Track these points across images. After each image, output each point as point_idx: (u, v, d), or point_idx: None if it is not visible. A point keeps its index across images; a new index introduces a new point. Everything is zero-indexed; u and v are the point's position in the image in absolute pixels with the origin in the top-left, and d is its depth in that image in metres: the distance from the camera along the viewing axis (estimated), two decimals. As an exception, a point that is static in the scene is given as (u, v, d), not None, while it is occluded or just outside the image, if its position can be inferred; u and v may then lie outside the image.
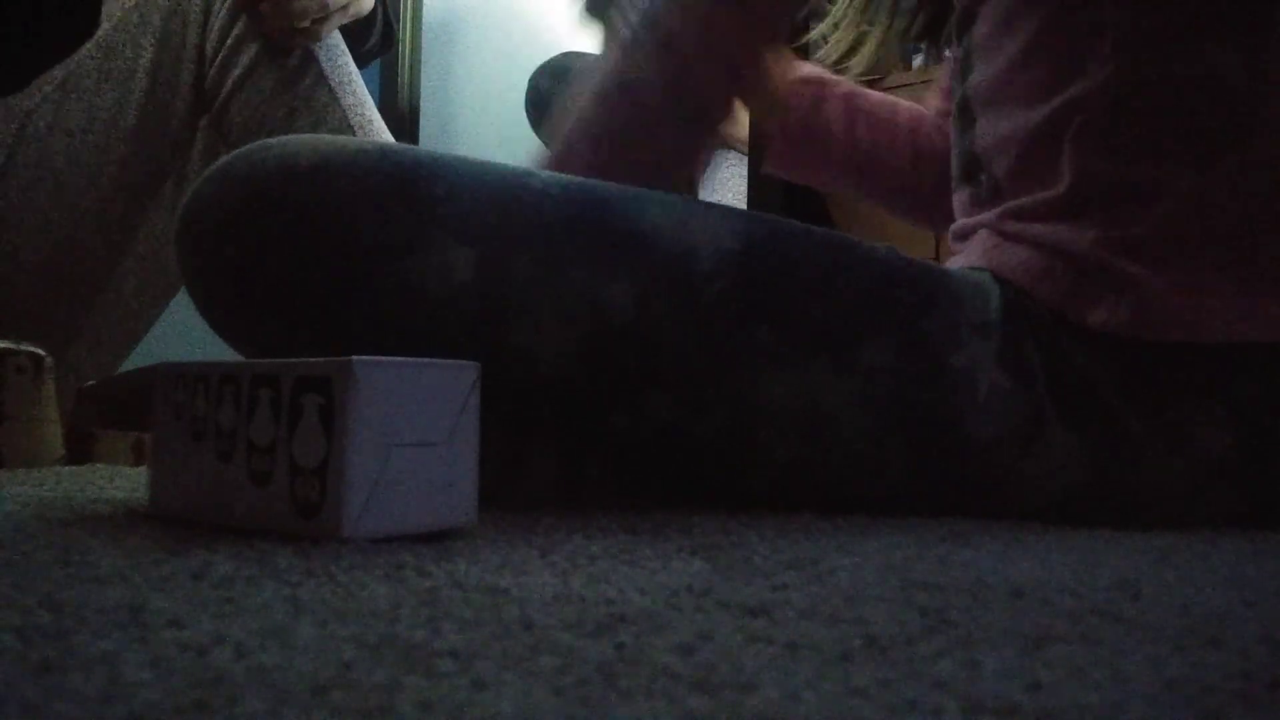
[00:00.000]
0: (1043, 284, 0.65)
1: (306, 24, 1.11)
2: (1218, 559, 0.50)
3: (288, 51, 1.14)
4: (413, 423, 0.45)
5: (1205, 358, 0.63)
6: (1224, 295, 0.63)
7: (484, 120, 2.34)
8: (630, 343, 0.59)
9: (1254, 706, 0.25)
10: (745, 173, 1.72)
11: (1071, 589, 0.40)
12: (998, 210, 0.69)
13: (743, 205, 1.72)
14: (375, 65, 2.21)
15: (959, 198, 0.75)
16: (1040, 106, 0.67)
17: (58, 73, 1.13)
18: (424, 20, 2.36)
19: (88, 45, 1.14)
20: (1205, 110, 0.64)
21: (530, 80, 1.76)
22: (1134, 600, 0.38)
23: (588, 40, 1.84)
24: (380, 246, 0.55)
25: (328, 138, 0.59)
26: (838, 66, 0.91)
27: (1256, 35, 0.64)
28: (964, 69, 0.74)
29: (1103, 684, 0.26)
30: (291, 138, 0.58)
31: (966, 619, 0.34)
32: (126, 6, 1.15)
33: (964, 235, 0.72)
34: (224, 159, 0.59)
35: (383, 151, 0.58)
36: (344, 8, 1.14)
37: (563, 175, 0.62)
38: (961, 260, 0.71)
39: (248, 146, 0.59)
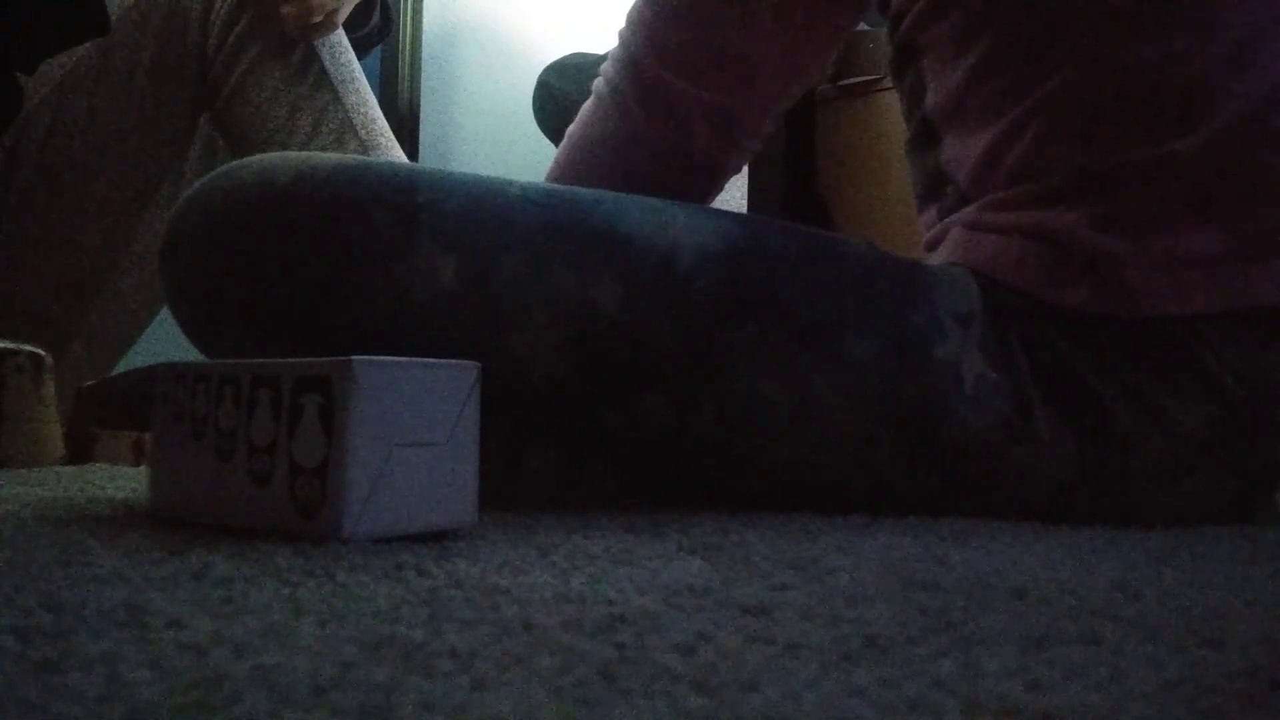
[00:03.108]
0: (1018, 270, 0.65)
1: (321, 18, 1.11)
2: (1218, 559, 0.50)
3: (292, 47, 1.14)
4: (413, 423, 0.45)
5: (1181, 334, 0.63)
6: (1201, 264, 0.63)
7: (484, 122, 2.34)
8: (618, 343, 0.59)
9: (1254, 706, 0.25)
10: (745, 178, 1.72)
11: (1071, 589, 0.40)
12: (972, 206, 0.69)
13: (743, 206, 1.72)
14: (375, 67, 2.21)
15: (926, 216, 0.75)
16: (1006, 112, 0.67)
17: (56, 73, 1.13)
18: (424, 22, 2.36)
19: (87, 45, 1.14)
20: (1167, 90, 0.65)
21: (540, 78, 1.76)
22: (1134, 600, 0.38)
23: (589, 43, 1.85)
24: (363, 256, 0.56)
25: (308, 154, 0.60)
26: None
27: (1203, 15, 0.65)
28: (915, 95, 0.74)
29: (1103, 684, 0.26)
30: (271, 155, 0.59)
31: (966, 619, 0.34)
32: (126, 5, 1.15)
33: (935, 242, 0.73)
34: (203, 179, 0.60)
35: (362, 164, 0.58)
36: None
37: (542, 182, 0.63)
38: (935, 260, 0.71)
39: (227, 165, 0.60)
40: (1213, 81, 0.65)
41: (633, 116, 0.75)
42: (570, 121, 0.89)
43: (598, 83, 0.78)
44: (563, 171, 0.80)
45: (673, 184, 0.74)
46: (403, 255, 0.56)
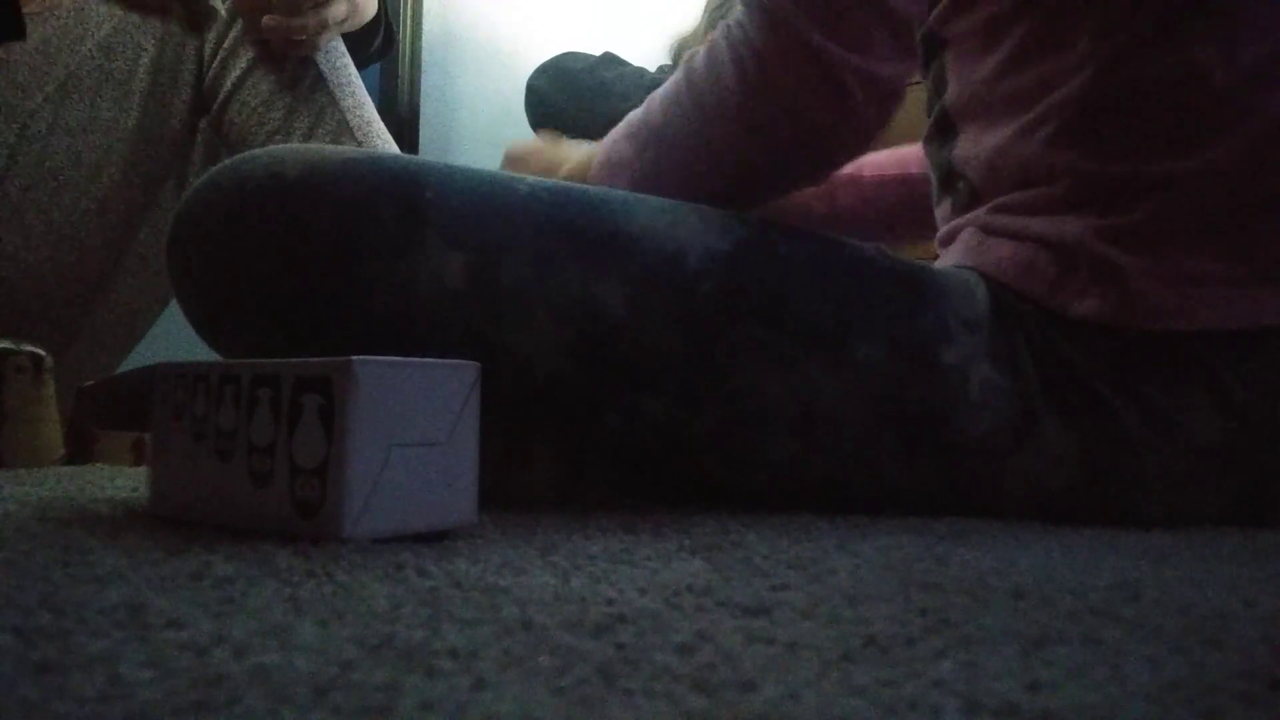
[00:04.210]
0: (1028, 278, 0.65)
1: (304, 37, 1.11)
2: (1218, 559, 0.50)
3: (285, 56, 1.14)
4: (413, 423, 0.45)
5: (1192, 346, 0.63)
6: (1210, 283, 0.63)
7: (484, 125, 2.34)
8: (623, 343, 0.59)
9: (1254, 706, 0.25)
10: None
11: (1071, 589, 0.39)
12: (984, 208, 0.69)
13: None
14: (374, 71, 2.21)
15: (941, 209, 0.75)
16: (1022, 113, 0.67)
17: (59, 73, 1.13)
18: (424, 25, 2.36)
19: (88, 45, 1.14)
20: (1187, 103, 0.64)
21: (529, 81, 1.77)
22: (1134, 600, 0.38)
23: (587, 44, 1.84)
24: (371, 252, 0.56)
25: (316, 146, 0.59)
26: None
27: (1231, 27, 0.64)
28: (937, 87, 0.74)
29: (1103, 684, 0.26)
30: (279, 147, 0.59)
31: (966, 619, 0.34)
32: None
33: (949, 239, 0.73)
34: (211, 170, 0.59)
35: (371, 158, 0.58)
36: (342, 21, 1.14)
37: (551, 180, 0.62)
38: (946, 261, 0.71)
39: (235, 157, 0.59)
40: (1234, 96, 0.64)
41: (782, 82, 0.68)
42: (561, 127, 0.88)
43: (717, 49, 0.71)
44: (665, 147, 0.75)
45: (811, 154, 0.73)
46: (409, 251, 0.56)
